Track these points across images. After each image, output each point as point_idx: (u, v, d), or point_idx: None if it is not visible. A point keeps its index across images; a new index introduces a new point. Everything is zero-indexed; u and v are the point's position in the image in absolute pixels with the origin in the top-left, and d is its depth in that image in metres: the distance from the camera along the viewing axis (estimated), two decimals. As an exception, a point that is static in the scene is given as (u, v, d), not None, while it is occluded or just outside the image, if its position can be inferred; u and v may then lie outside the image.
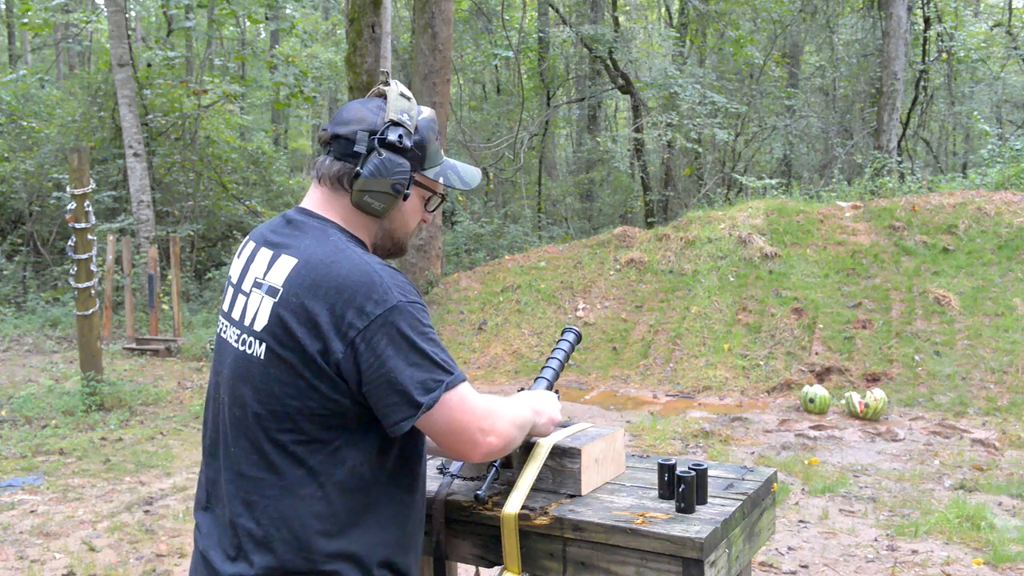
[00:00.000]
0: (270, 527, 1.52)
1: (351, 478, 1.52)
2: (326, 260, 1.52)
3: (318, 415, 1.50)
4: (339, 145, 1.61)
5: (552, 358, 2.07)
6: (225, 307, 1.66)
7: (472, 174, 1.76)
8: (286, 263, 1.55)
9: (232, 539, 1.56)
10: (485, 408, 1.58)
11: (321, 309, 1.48)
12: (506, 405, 1.66)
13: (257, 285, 1.58)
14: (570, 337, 2.14)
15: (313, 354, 1.48)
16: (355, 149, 1.59)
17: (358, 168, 1.59)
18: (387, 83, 1.67)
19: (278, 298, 1.53)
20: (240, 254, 1.68)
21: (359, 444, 1.53)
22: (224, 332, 1.64)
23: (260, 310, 1.55)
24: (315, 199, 1.65)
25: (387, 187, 1.59)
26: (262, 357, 1.53)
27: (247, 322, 1.57)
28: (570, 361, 2.51)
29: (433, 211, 1.76)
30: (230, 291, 1.66)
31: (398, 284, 1.52)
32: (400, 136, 1.60)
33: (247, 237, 1.72)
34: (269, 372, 1.52)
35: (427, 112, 1.69)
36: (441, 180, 1.70)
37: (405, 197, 1.63)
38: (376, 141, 1.59)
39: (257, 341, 1.54)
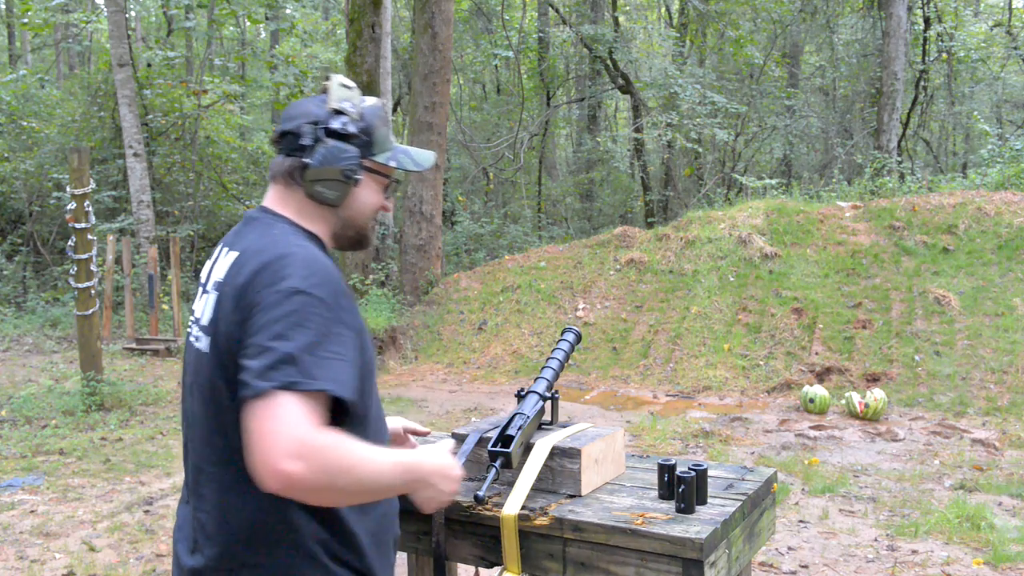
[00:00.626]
0: (216, 520, 1.55)
1: None
2: (257, 249, 1.55)
3: None
4: (287, 141, 1.64)
5: (552, 358, 2.07)
6: (194, 304, 1.72)
7: (425, 156, 1.76)
8: (230, 258, 1.59)
9: (192, 531, 1.61)
10: (318, 438, 1.36)
11: (240, 294, 1.50)
12: (349, 448, 1.42)
13: (211, 284, 1.62)
14: (570, 337, 2.14)
15: (234, 339, 1.49)
16: (301, 142, 1.61)
17: (305, 159, 1.61)
18: (327, 78, 1.69)
19: (219, 292, 1.57)
20: (212, 256, 1.73)
21: None
22: (190, 327, 1.69)
23: (207, 305, 1.59)
24: (271, 197, 1.69)
25: (337, 175, 1.61)
26: (207, 350, 1.56)
27: (200, 319, 1.62)
28: (570, 361, 2.51)
29: (390, 199, 1.76)
30: (198, 292, 1.71)
31: (309, 273, 1.48)
32: (344, 123, 1.62)
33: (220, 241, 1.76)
34: (211, 365, 1.54)
35: (372, 100, 1.71)
36: (393, 164, 1.70)
37: (356, 182, 1.64)
38: (321, 131, 1.61)
39: (203, 335, 1.58)
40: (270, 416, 1.36)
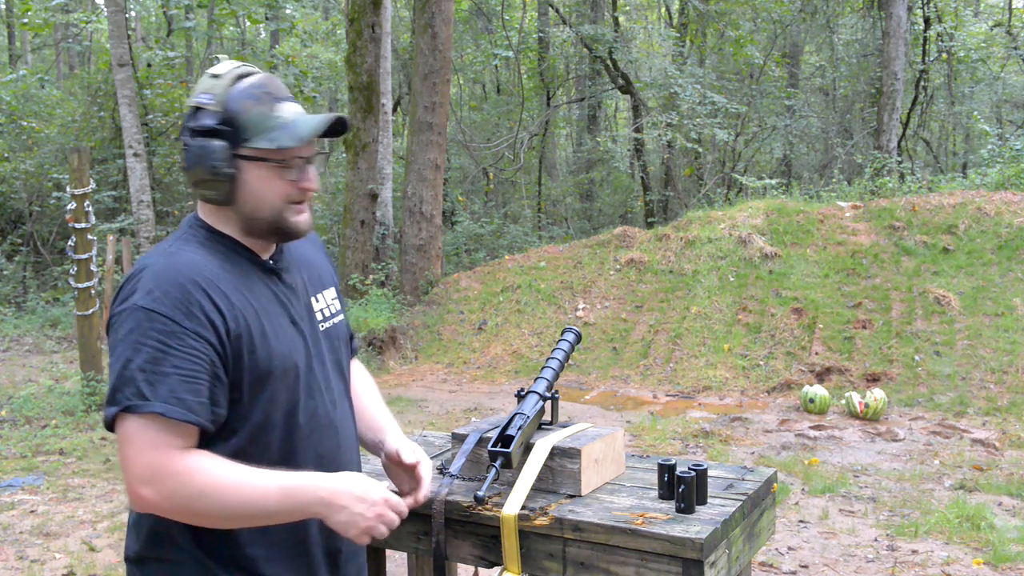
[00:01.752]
0: (132, 514, 1.60)
1: None
2: (137, 264, 1.56)
3: None
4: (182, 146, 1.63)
5: (552, 358, 2.07)
6: None
7: (311, 124, 1.56)
8: None
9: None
10: (156, 458, 1.39)
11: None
12: (207, 472, 1.42)
13: None
14: (570, 337, 2.14)
15: None
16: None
17: (182, 164, 1.59)
18: (216, 61, 1.63)
19: None
20: None
21: (211, 442, 1.52)
22: None
23: None
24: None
25: (207, 173, 1.54)
26: None
27: None
28: (570, 361, 2.51)
29: (300, 176, 1.60)
30: None
31: (151, 289, 1.45)
32: (201, 120, 1.55)
33: None
34: None
35: (248, 81, 1.57)
36: (267, 144, 1.54)
37: (230, 176, 1.54)
38: (187, 133, 1.57)
39: None
40: (123, 441, 1.42)
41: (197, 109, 1.56)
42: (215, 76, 1.58)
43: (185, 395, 1.42)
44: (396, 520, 1.54)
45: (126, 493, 1.45)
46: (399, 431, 1.83)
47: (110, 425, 1.45)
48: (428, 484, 1.72)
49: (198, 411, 1.44)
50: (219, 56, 1.75)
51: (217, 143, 1.54)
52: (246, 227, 1.61)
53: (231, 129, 1.54)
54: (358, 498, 1.50)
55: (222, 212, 1.60)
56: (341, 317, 1.79)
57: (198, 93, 1.57)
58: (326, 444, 1.64)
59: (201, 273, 1.50)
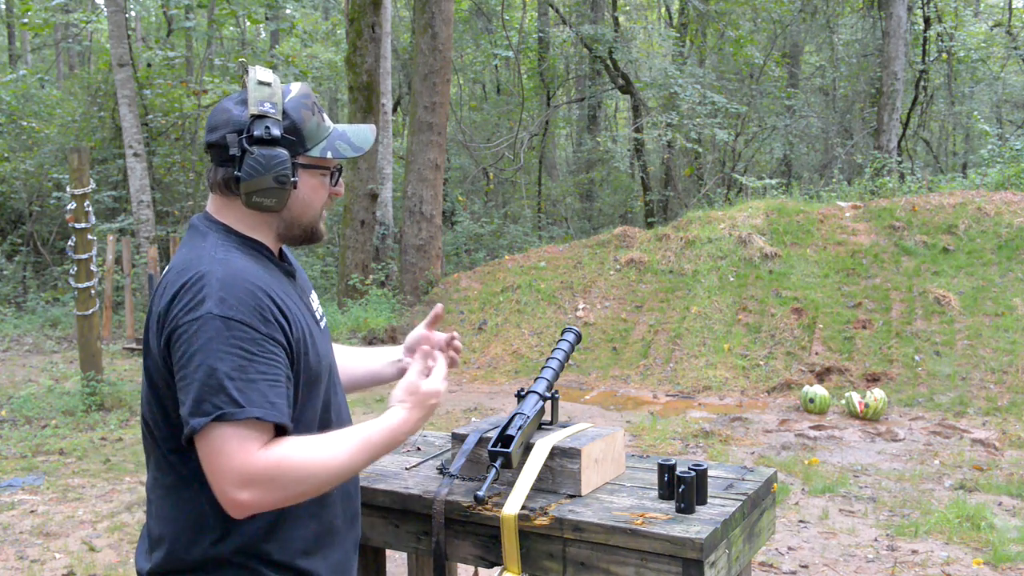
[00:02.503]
0: (160, 525, 1.57)
1: None
2: (179, 267, 1.53)
3: (175, 422, 1.51)
4: (215, 152, 1.59)
5: (552, 358, 2.07)
6: None
7: (363, 135, 1.67)
8: (166, 271, 1.60)
9: (144, 535, 1.64)
10: (246, 461, 1.42)
11: (161, 319, 1.50)
12: (292, 459, 1.46)
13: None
14: (570, 337, 2.14)
15: (157, 359, 1.51)
16: (231, 153, 1.56)
17: (236, 172, 1.55)
18: (245, 72, 1.61)
19: (151, 307, 1.57)
20: None
21: None
22: None
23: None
24: (213, 204, 1.65)
25: (270, 182, 1.55)
26: (144, 364, 1.59)
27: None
28: (570, 361, 2.51)
29: (337, 186, 1.69)
30: None
31: (223, 296, 1.46)
32: (267, 128, 1.55)
33: None
34: (145, 380, 1.57)
35: (296, 90, 1.62)
36: (329, 154, 1.61)
37: (294, 185, 1.58)
38: (245, 141, 1.55)
39: (144, 351, 1.59)
40: (213, 451, 1.42)
41: (258, 117, 1.55)
42: (265, 84, 1.58)
43: (275, 399, 1.46)
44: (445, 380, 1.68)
45: (221, 500, 1.43)
46: (373, 357, 1.97)
47: (189, 436, 1.43)
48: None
49: (287, 414, 1.48)
50: (243, 60, 1.75)
51: (282, 151, 1.55)
52: (282, 231, 1.64)
53: (293, 138, 1.58)
54: (418, 395, 1.61)
55: (255, 218, 1.61)
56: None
57: (258, 102, 1.55)
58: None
59: (261, 279, 1.53)
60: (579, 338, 2.17)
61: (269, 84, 1.58)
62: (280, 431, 1.49)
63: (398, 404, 1.61)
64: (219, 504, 1.49)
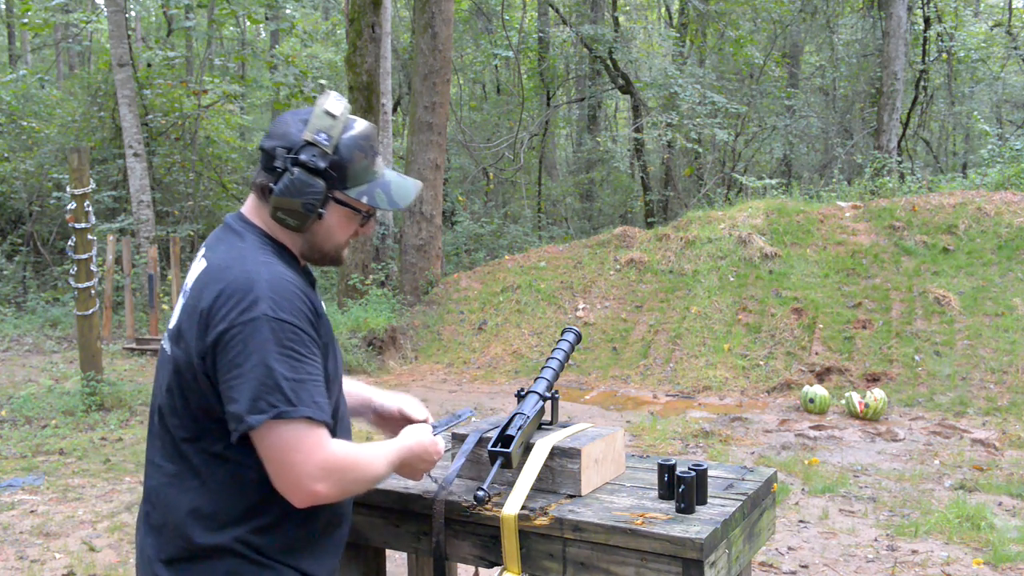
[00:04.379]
0: (160, 513, 1.61)
1: (232, 479, 1.57)
2: (222, 265, 1.57)
3: (201, 417, 1.56)
4: (264, 157, 1.64)
5: (552, 358, 2.07)
6: None
7: (405, 193, 1.72)
8: (199, 267, 1.63)
9: (142, 518, 1.68)
10: (325, 457, 1.51)
11: (202, 311, 1.53)
12: (353, 459, 1.58)
13: (183, 287, 1.66)
14: (570, 337, 2.14)
15: (192, 353, 1.54)
16: (275, 164, 1.61)
17: (271, 184, 1.61)
18: (323, 90, 1.68)
19: (184, 300, 1.61)
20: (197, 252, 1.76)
21: (240, 450, 1.55)
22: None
23: (176, 311, 1.64)
24: (248, 205, 1.70)
25: (297, 206, 1.60)
26: (168, 353, 1.62)
27: (170, 321, 1.67)
28: (570, 361, 2.51)
29: (367, 226, 1.74)
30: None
31: (274, 298, 1.51)
32: (313, 157, 1.59)
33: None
34: (168, 368, 1.60)
35: (358, 129, 1.66)
36: (365, 200, 1.67)
37: (319, 216, 1.63)
38: (290, 160, 1.60)
39: (169, 339, 1.63)
40: (287, 446, 1.48)
41: (310, 144, 1.60)
42: (332, 115, 1.63)
43: (319, 399, 1.53)
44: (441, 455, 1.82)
45: (292, 491, 1.50)
46: (380, 391, 2.02)
47: (244, 432, 1.48)
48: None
49: (329, 412, 1.55)
50: (323, 83, 1.78)
51: (320, 183, 1.60)
52: (304, 251, 1.70)
53: (336, 174, 1.63)
54: (423, 446, 1.75)
55: (284, 230, 1.67)
56: None
57: (316, 130, 1.60)
58: (347, 434, 1.78)
59: (300, 285, 1.59)
60: (579, 338, 2.17)
61: (334, 116, 1.63)
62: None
63: (414, 447, 1.73)
64: (223, 495, 1.55)
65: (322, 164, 1.60)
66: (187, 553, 1.57)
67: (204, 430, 1.56)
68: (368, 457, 1.62)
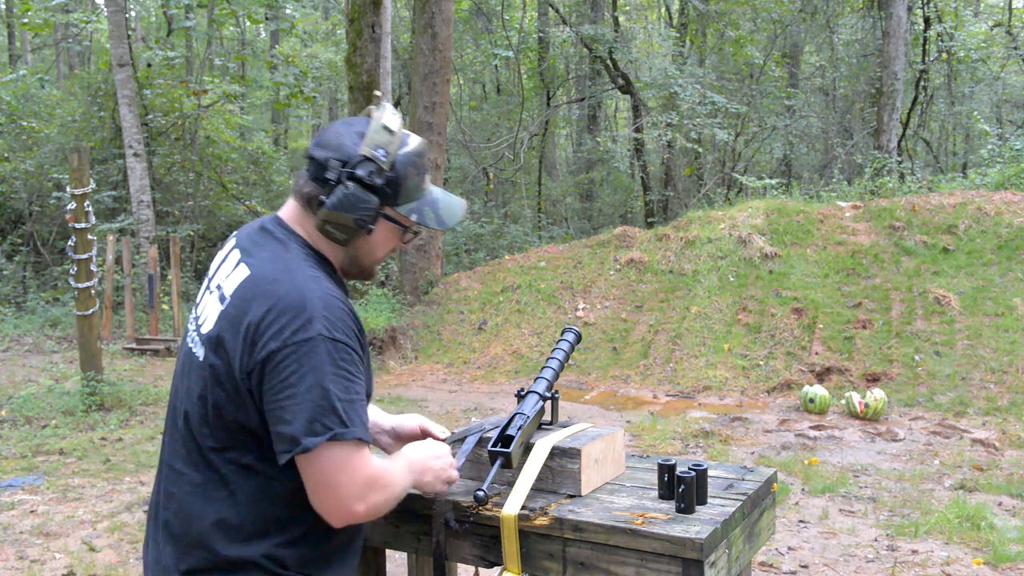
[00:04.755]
0: (180, 522, 1.57)
1: (261, 492, 1.54)
2: (271, 277, 1.53)
3: (234, 428, 1.53)
4: (314, 167, 1.60)
5: (552, 358, 2.07)
6: (198, 298, 1.70)
7: (452, 212, 1.71)
8: (241, 273, 1.58)
9: (154, 526, 1.63)
10: (368, 476, 1.51)
11: (249, 324, 1.49)
12: (388, 475, 1.58)
13: (217, 287, 1.61)
14: (570, 337, 2.14)
15: (234, 366, 1.50)
16: (326, 176, 1.58)
17: (322, 197, 1.58)
18: (377, 103, 1.64)
19: (224, 307, 1.56)
20: (223, 248, 1.72)
21: (271, 460, 1.52)
22: (190, 323, 1.68)
23: (210, 314, 1.59)
24: (289, 211, 1.67)
25: (349, 221, 1.58)
26: (200, 359, 1.57)
27: (200, 321, 1.62)
28: (570, 361, 2.51)
29: (408, 242, 1.73)
30: (204, 284, 1.70)
31: (328, 318, 1.49)
32: (370, 173, 1.57)
33: (234, 233, 1.74)
34: (202, 375, 1.55)
35: (412, 146, 1.65)
36: (414, 217, 1.66)
37: (369, 231, 1.61)
38: (346, 174, 1.57)
39: (201, 343, 1.58)
40: (335, 467, 1.47)
41: (368, 160, 1.58)
42: (390, 131, 1.61)
43: (364, 418, 1.53)
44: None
45: (333, 512, 1.50)
46: (386, 414, 1.98)
47: (300, 453, 1.46)
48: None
49: (368, 431, 1.55)
50: (378, 94, 1.77)
51: (374, 199, 1.59)
52: (344, 264, 1.68)
53: (389, 191, 1.61)
54: (435, 457, 1.74)
55: (327, 242, 1.64)
56: None
57: (374, 145, 1.58)
58: None
59: (347, 302, 1.57)
60: (579, 338, 2.17)
61: (392, 132, 1.61)
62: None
63: (427, 459, 1.72)
64: (251, 507, 1.52)
65: (379, 181, 1.58)
66: (210, 565, 1.54)
67: (236, 441, 1.53)
68: (396, 471, 1.62)
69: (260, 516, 1.54)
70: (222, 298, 1.57)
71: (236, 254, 1.63)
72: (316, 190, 1.59)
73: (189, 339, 1.64)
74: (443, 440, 1.92)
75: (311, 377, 1.45)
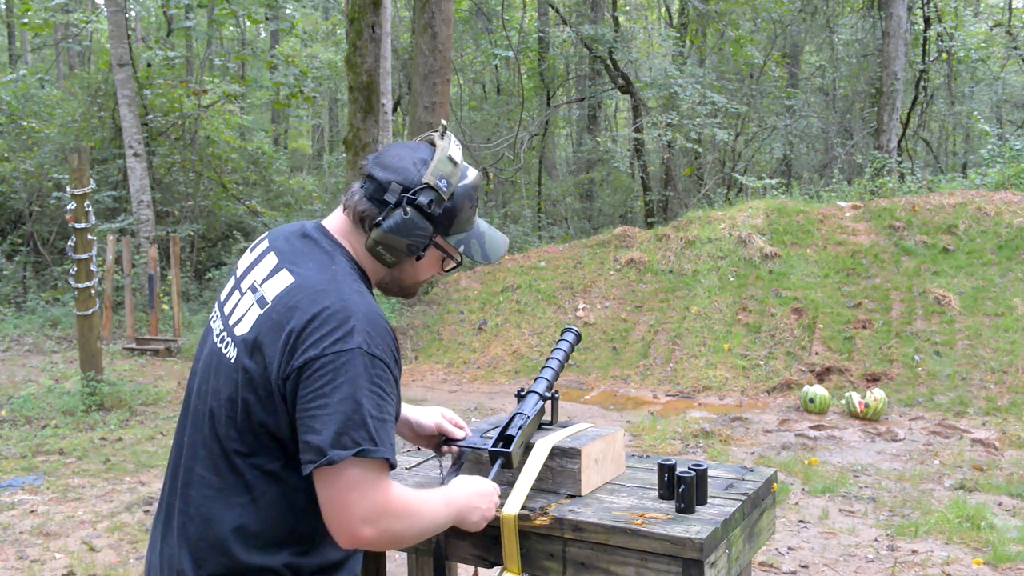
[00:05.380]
0: (199, 526, 1.54)
1: (283, 500, 1.53)
2: (316, 287, 1.52)
3: (261, 433, 1.51)
4: (372, 186, 1.61)
5: (552, 358, 2.07)
6: (222, 296, 1.68)
7: (496, 248, 1.74)
8: (283, 279, 1.56)
9: (165, 527, 1.62)
10: (384, 500, 1.47)
11: (291, 331, 1.48)
12: (412, 505, 1.54)
13: (252, 289, 1.59)
14: (569, 337, 2.14)
15: (270, 371, 1.49)
16: (385, 197, 1.58)
17: (380, 219, 1.58)
18: (443, 136, 1.65)
19: (264, 311, 1.54)
20: (253, 249, 1.70)
21: (295, 470, 1.51)
22: (214, 321, 1.66)
23: (246, 316, 1.57)
24: (336, 223, 1.66)
25: (402, 246, 1.59)
26: (232, 361, 1.55)
27: (232, 322, 1.59)
28: (570, 361, 2.50)
29: (449, 271, 1.75)
30: (231, 282, 1.67)
31: (370, 333, 1.48)
32: (431, 202, 1.58)
33: (265, 235, 1.72)
34: (233, 377, 1.53)
35: (471, 178, 1.67)
36: (462, 249, 1.69)
37: (419, 258, 1.63)
38: (406, 199, 1.58)
39: (233, 344, 1.56)
40: (348, 485, 1.45)
41: (430, 188, 1.59)
42: (454, 162, 1.63)
43: (392, 440, 1.50)
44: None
45: (339, 531, 1.47)
46: (415, 407, 1.96)
47: (324, 465, 1.43)
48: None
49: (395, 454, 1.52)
50: (444, 123, 1.77)
51: (429, 227, 1.60)
52: (385, 282, 1.70)
53: (445, 221, 1.63)
54: (481, 496, 1.70)
55: (374, 262, 1.65)
56: None
57: (438, 175, 1.60)
58: None
59: (389, 323, 1.56)
60: (579, 338, 2.17)
61: (456, 164, 1.63)
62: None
63: (472, 496, 1.68)
64: (272, 514, 1.51)
65: (438, 210, 1.59)
66: (227, 571, 1.52)
67: (262, 446, 1.51)
68: (426, 502, 1.58)
69: (280, 524, 1.53)
70: (262, 302, 1.56)
71: (273, 258, 1.62)
72: (372, 210, 1.60)
73: (217, 339, 1.62)
74: (460, 441, 1.91)
75: (346, 388, 1.44)
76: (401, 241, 1.58)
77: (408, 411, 1.93)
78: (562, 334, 2.15)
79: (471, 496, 1.68)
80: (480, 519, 1.69)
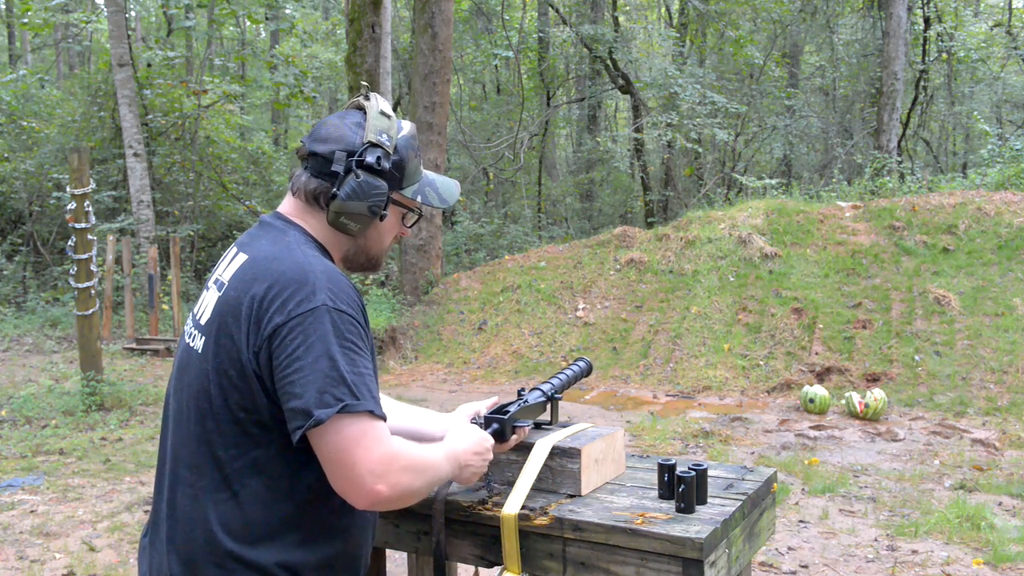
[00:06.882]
0: (184, 531, 1.53)
1: (267, 491, 1.50)
2: (270, 256, 1.53)
3: (240, 417, 1.49)
4: (316, 162, 1.60)
5: (560, 374, 2.07)
6: (198, 302, 1.70)
7: (450, 190, 1.74)
8: (239, 260, 1.57)
9: (154, 532, 1.61)
10: (387, 453, 1.44)
11: (250, 302, 1.48)
12: (415, 454, 1.53)
13: (216, 282, 1.60)
14: (581, 363, 2.15)
15: (239, 347, 1.47)
16: (332, 169, 1.58)
17: (335, 190, 1.57)
18: (367, 97, 1.65)
19: (222, 292, 1.54)
20: (223, 258, 1.72)
21: (279, 457, 1.50)
22: (187, 324, 1.67)
23: (207, 305, 1.57)
24: (289, 207, 1.65)
25: (364, 209, 1.58)
26: (199, 351, 1.55)
27: (198, 316, 1.61)
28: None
29: (411, 226, 1.75)
30: (203, 291, 1.69)
31: (332, 289, 1.47)
32: (378, 158, 1.58)
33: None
34: (204, 367, 1.52)
35: (407, 128, 1.67)
36: (419, 199, 1.68)
37: (382, 218, 1.62)
38: (354, 163, 1.57)
39: (199, 335, 1.56)
40: (350, 442, 1.42)
41: (374, 146, 1.58)
42: (386, 116, 1.62)
43: (375, 393, 1.49)
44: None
45: (353, 491, 1.43)
46: (433, 417, 1.92)
47: (312, 426, 1.41)
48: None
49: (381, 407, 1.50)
50: (366, 84, 1.77)
51: (384, 184, 1.60)
52: (349, 255, 1.68)
53: (396, 175, 1.63)
54: (476, 453, 1.69)
55: (334, 236, 1.64)
56: None
57: (377, 131, 1.59)
58: None
59: (350, 279, 1.56)
60: (590, 369, 2.17)
61: (389, 117, 1.63)
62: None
63: (467, 451, 1.67)
64: (255, 507, 1.49)
65: (387, 165, 1.59)
66: (220, 570, 1.50)
67: (243, 434, 1.49)
68: (429, 456, 1.57)
69: (264, 517, 1.50)
70: (220, 285, 1.56)
71: (234, 250, 1.63)
72: (323, 185, 1.59)
73: (187, 335, 1.62)
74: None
75: (318, 347, 1.42)
76: (361, 205, 1.58)
77: (436, 426, 1.87)
78: (575, 360, 2.16)
79: (468, 454, 1.68)
80: (471, 476, 1.70)
